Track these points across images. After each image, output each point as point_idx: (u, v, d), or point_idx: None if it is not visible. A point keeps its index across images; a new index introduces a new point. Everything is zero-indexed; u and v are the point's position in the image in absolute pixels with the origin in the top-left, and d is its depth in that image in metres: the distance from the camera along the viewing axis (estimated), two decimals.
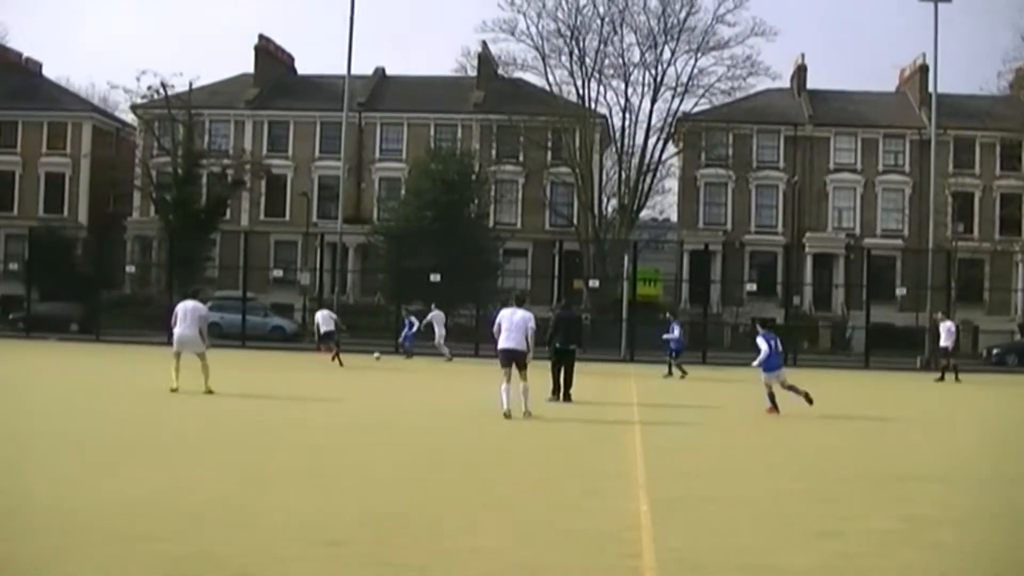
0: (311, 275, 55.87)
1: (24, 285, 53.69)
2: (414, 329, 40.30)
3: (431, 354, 40.13)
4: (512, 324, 18.85)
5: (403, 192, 60.32)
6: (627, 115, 61.28)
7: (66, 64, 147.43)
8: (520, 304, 19.66)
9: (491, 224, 60.11)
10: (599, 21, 60.93)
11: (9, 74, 69.08)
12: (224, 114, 64.95)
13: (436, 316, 40.07)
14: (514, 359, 18.67)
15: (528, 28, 61.64)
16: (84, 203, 66.57)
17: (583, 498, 11.20)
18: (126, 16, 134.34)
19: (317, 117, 64.53)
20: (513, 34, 60.78)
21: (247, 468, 12.60)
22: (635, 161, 60.72)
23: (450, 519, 9.80)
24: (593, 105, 61.08)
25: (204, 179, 60.91)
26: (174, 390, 20.86)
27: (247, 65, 68.59)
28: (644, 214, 65.59)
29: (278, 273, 58.11)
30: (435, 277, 47.07)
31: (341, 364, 33.18)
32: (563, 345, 22.66)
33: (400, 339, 41.36)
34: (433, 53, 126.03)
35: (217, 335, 48.69)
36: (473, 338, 44.91)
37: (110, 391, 23.02)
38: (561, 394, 22.40)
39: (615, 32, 61.12)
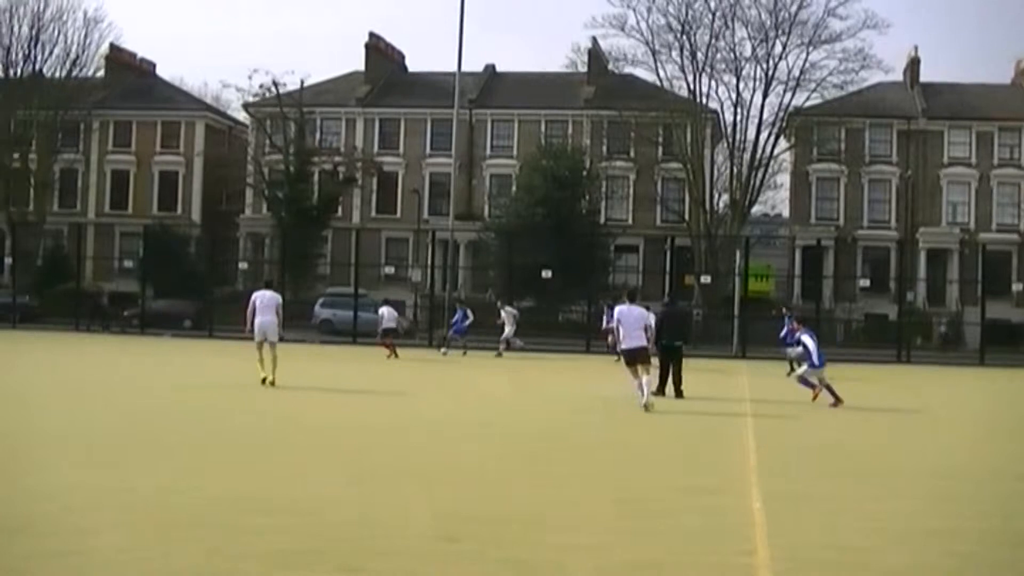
0: (422, 272, 57.58)
1: (139, 282, 56.07)
2: (468, 321, 39.85)
3: (489, 348, 40.32)
4: (632, 322, 19.96)
5: (514, 189, 62.10)
6: (738, 110, 62.04)
7: (179, 64, 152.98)
8: (632, 300, 20.71)
9: (602, 220, 61.49)
10: (710, 15, 61.78)
11: (124, 74, 72.73)
12: (335, 112, 67.50)
13: (509, 312, 40.61)
14: (638, 356, 19.73)
15: (638, 23, 62.28)
16: (197, 201, 69.80)
17: (695, 494, 11.48)
18: (238, 15, 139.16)
19: (428, 114, 66.64)
20: (623, 29, 61.62)
21: (354, 465, 12.94)
22: (746, 156, 61.43)
23: (561, 515, 10.07)
24: (704, 100, 61.91)
25: (316, 176, 63.75)
26: (264, 380, 22.31)
27: (358, 63, 71.34)
28: (756, 209, 65.88)
29: (389, 270, 59.90)
30: (546, 273, 48.60)
31: (396, 356, 35.94)
32: (670, 341, 23.26)
33: (450, 332, 40.71)
34: (543, 49, 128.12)
35: (329, 331, 51.84)
36: (585, 334, 46.09)
37: (216, 389, 23.62)
38: (673, 391, 22.96)
39: (726, 26, 61.87)
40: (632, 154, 64.70)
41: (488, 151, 66.92)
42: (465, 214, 61.60)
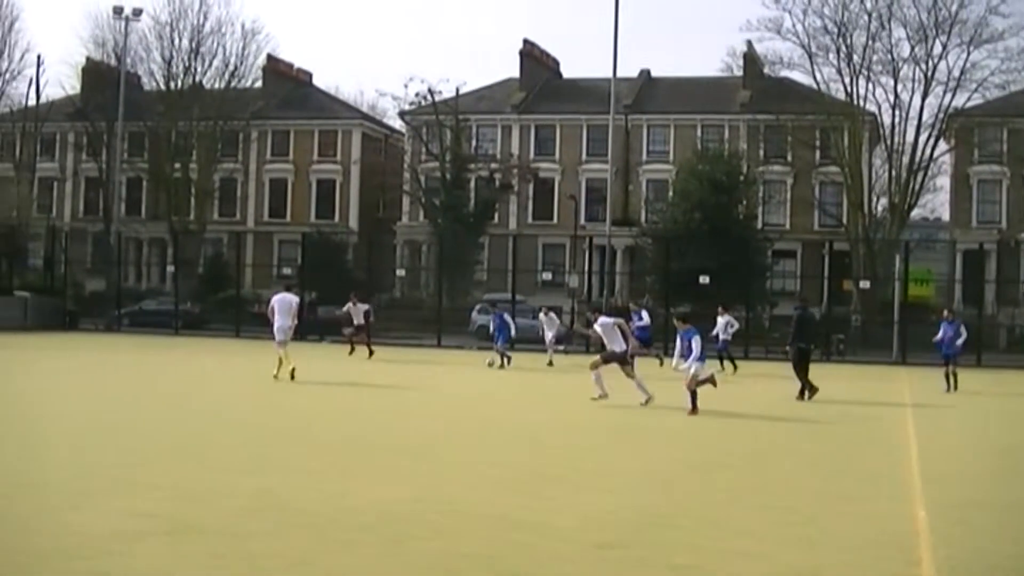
0: (579, 278, 60.71)
1: (297, 289, 60.69)
2: (511, 330, 37.93)
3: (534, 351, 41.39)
4: (609, 329, 22.98)
5: (670, 194, 65.21)
6: (897, 112, 63.93)
7: (335, 73, 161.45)
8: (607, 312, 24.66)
9: (759, 225, 64.12)
10: (867, 17, 63.69)
11: (281, 84, 79.91)
12: (491, 119, 73.21)
13: (551, 319, 40.08)
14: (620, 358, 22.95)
15: (794, 26, 64.43)
16: (354, 208, 76.30)
17: (856, 501, 12.01)
18: (394, 24, 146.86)
19: (583, 120, 71.72)
20: (779, 32, 64.04)
21: (507, 469, 13.88)
22: (905, 159, 63.31)
23: (718, 521, 10.70)
24: (861, 102, 63.98)
25: (472, 183, 68.90)
26: (292, 374, 25.79)
27: (513, 70, 77.18)
28: (915, 213, 67.92)
29: (547, 276, 64.01)
30: (704, 279, 50.49)
31: (353, 351, 39.03)
32: (806, 345, 25.54)
33: (495, 341, 37.59)
34: (698, 54, 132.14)
35: (485, 337, 53.15)
36: (742, 340, 47.44)
37: (367, 393, 25.40)
38: (807, 392, 24.79)
39: (883, 27, 63.79)
40: (789, 158, 67.90)
41: (644, 156, 71.41)
42: (622, 220, 65.58)
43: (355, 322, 40.46)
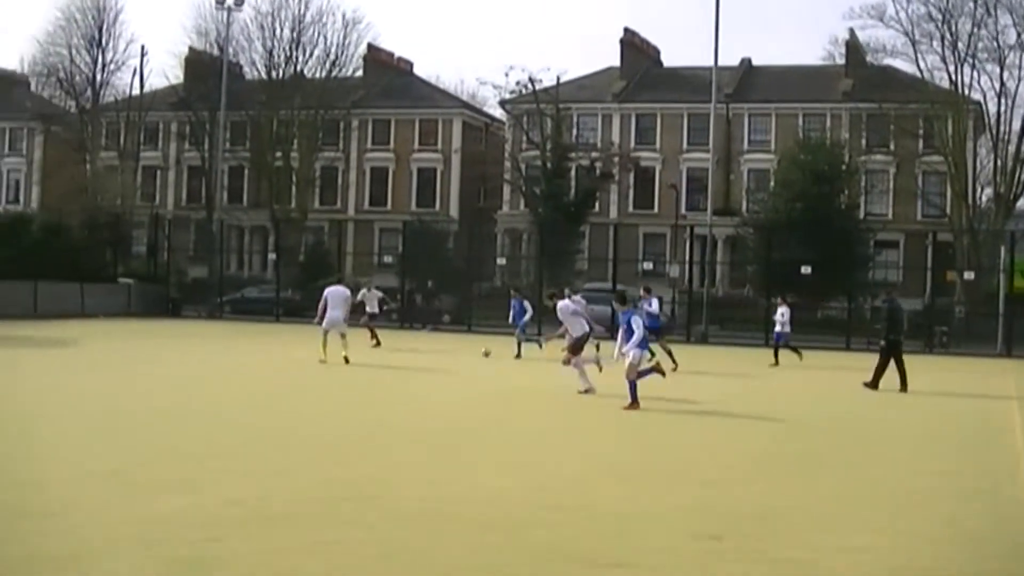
0: (680, 267, 61.87)
1: (398, 277, 62.13)
2: (528, 314, 37.02)
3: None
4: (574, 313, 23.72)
5: (772, 183, 66.15)
6: (1003, 100, 63.89)
7: (436, 62, 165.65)
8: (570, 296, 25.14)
9: (861, 215, 64.80)
10: (972, 3, 63.51)
11: (382, 73, 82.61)
12: (591, 108, 75.19)
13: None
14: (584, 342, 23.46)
15: (897, 13, 64.83)
16: (455, 197, 78.97)
17: (966, 498, 12.20)
18: (494, 13, 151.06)
19: (684, 109, 73.59)
20: (882, 20, 64.42)
21: (599, 461, 14.29)
22: (1011, 148, 63.44)
23: (826, 515, 10.97)
24: (966, 91, 64.30)
25: (573, 172, 70.37)
26: (322, 361, 27.80)
27: (613, 59, 79.22)
28: (1021, 203, 67.33)
29: (647, 265, 64.57)
30: (805, 269, 51.35)
31: (379, 344, 36.57)
32: (896, 336, 26.11)
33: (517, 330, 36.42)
34: (800, 42, 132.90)
35: None
36: (844, 331, 49.15)
37: (459, 382, 26.32)
38: (899, 384, 25.30)
39: (989, 14, 63.67)
40: (892, 147, 68.51)
41: (745, 146, 73.05)
42: (723, 209, 66.79)
43: (368, 309, 38.91)
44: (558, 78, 71.20)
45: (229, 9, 69.68)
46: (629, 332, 20.35)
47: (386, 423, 18.00)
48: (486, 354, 32.74)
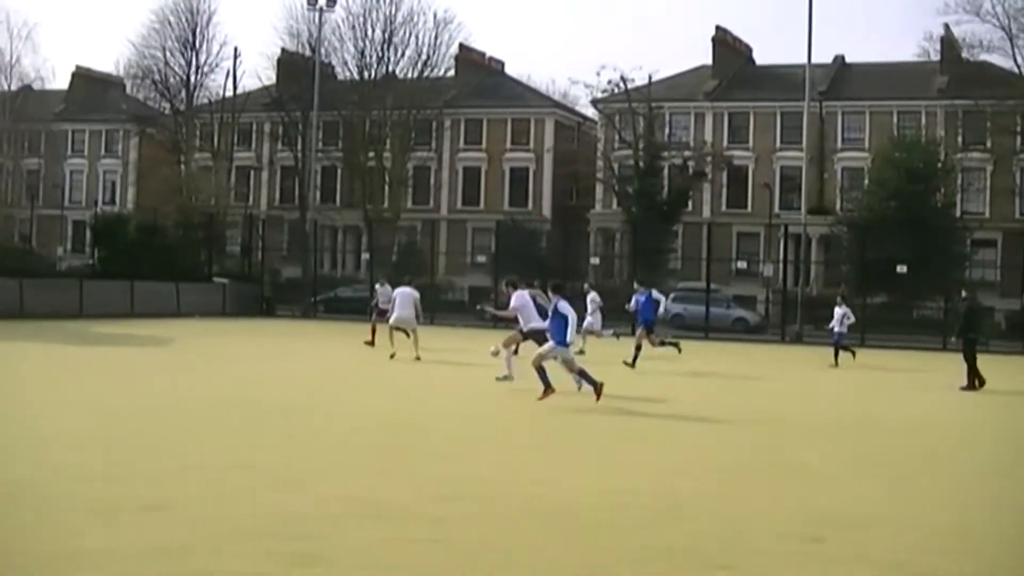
0: (774, 267, 63.19)
1: (491, 277, 62.84)
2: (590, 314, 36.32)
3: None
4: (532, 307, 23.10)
5: (866, 182, 66.74)
6: None
7: (527, 61, 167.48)
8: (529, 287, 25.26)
9: (958, 213, 65.06)
10: None
11: (473, 73, 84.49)
12: (684, 106, 76.33)
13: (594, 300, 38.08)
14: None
15: (993, 7, 65.30)
16: (547, 196, 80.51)
17: None
18: (585, 12, 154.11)
19: (777, 107, 74.51)
20: (978, 14, 65.19)
21: (700, 461, 14.49)
22: None
23: (931, 519, 11.05)
24: None
25: (665, 171, 71.75)
26: (392, 356, 29.13)
27: (705, 57, 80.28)
28: None
29: (741, 264, 66.79)
30: (901, 268, 51.92)
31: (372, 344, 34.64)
32: (975, 335, 26.67)
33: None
34: (894, 38, 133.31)
35: (680, 326, 55.23)
36: (939, 331, 48.20)
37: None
38: (977, 382, 25.93)
39: None
40: (989, 145, 68.72)
41: (839, 144, 73.62)
42: (817, 208, 67.44)
43: (380, 306, 36.41)
44: (650, 77, 72.62)
45: (321, 10, 71.43)
46: (558, 321, 19.91)
47: (491, 421, 18.64)
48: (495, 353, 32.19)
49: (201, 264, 63.19)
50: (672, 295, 59.47)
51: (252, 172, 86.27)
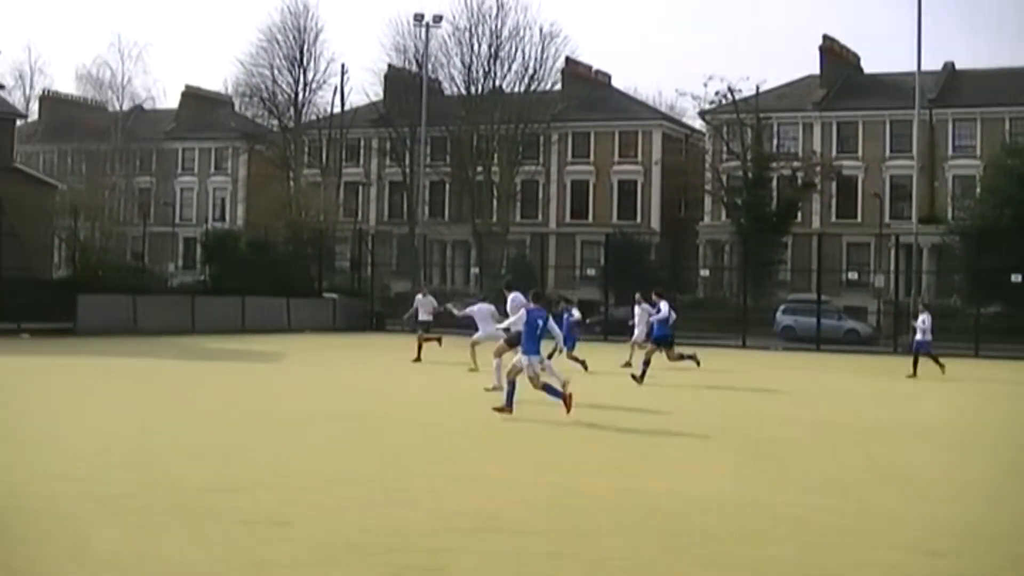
0: (884, 277, 63.69)
1: (601, 290, 64.75)
2: (571, 316, 34.11)
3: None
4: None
5: (978, 190, 66.32)
6: None
7: (633, 73, 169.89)
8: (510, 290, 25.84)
9: None
10: None
11: (580, 86, 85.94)
12: (792, 116, 77.40)
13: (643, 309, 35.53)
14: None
15: None
16: (656, 209, 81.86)
17: None
18: (692, 24, 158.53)
19: (886, 116, 75.09)
20: None
21: (803, 470, 14.72)
22: None
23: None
24: None
25: (774, 182, 72.66)
26: (473, 369, 28.70)
27: (813, 66, 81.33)
28: None
29: (851, 275, 67.76)
30: (1016, 277, 51.47)
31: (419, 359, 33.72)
32: None
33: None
34: (1004, 44, 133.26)
35: (791, 338, 56.76)
36: None
37: (660, 391, 26.01)
38: None
39: None
40: None
41: (950, 152, 74.26)
42: (928, 217, 67.55)
43: (420, 318, 35.86)
44: (757, 87, 73.73)
45: (428, 25, 73.31)
46: (530, 331, 19.30)
47: (601, 433, 18.42)
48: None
49: (311, 280, 64.26)
50: (783, 307, 61.59)
51: (361, 188, 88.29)
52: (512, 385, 19.37)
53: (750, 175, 71.62)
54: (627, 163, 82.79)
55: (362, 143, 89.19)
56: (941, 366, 33.40)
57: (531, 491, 12.56)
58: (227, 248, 63.19)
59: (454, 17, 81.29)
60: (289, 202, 77.67)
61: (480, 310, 29.39)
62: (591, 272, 72.36)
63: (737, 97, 72.53)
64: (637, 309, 35.63)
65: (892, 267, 61.05)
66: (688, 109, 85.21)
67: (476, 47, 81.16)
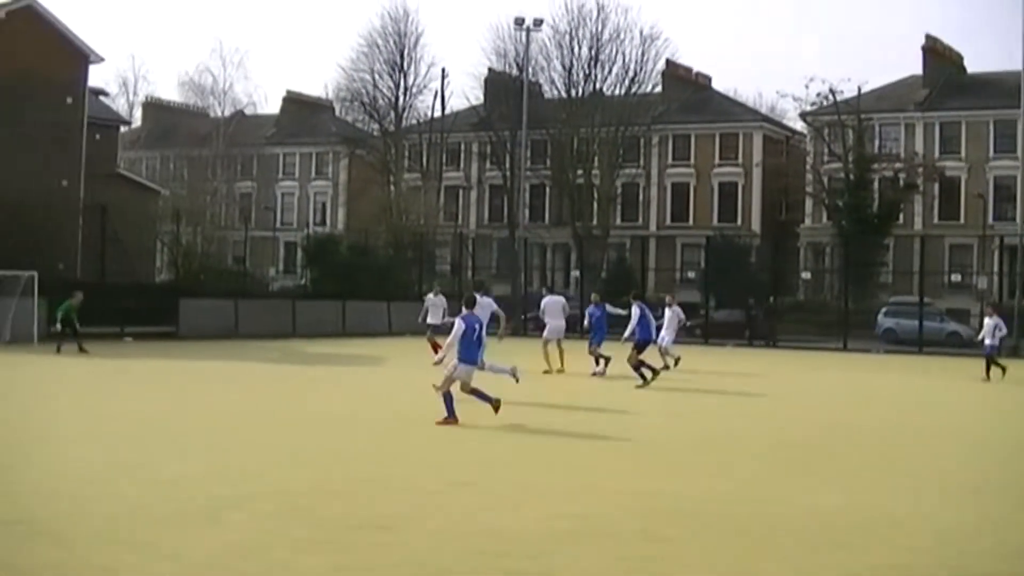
0: (988, 279, 64.26)
1: (701, 292, 65.25)
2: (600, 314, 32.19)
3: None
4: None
5: None
6: None
7: (733, 75, 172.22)
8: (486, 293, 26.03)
9: None
10: None
11: (680, 89, 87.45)
12: (894, 117, 77.99)
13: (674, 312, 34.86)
14: None
15: None
16: (756, 211, 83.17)
17: None
18: (791, 24, 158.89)
19: (990, 116, 75.43)
20: None
21: (927, 478, 14.69)
22: None
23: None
24: None
25: (876, 183, 73.39)
26: (549, 371, 29.63)
27: (915, 66, 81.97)
28: None
29: (954, 277, 68.03)
30: None
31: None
32: None
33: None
34: None
35: (892, 341, 57.15)
36: None
37: (768, 399, 26.65)
38: None
39: None
40: None
41: None
42: None
43: (430, 320, 34.89)
44: (859, 88, 74.42)
45: (528, 29, 74.22)
46: (466, 338, 19.14)
47: (708, 438, 18.79)
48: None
49: (411, 283, 65.64)
50: (884, 309, 61.91)
51: (461, 191, 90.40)
52: (449, 396, 19.11)
53: (851, 176, 72.30)
54: (728, 165, 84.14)
55: (462, 147, 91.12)
56: (1003, 370, 33.03)
57: (629, 497, 12.82)
58: (328, 252, 64.82)
59: (554, 20, 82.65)
60: (389, 206, 79.25)
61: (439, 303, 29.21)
62: (691, 275, 73.44)
63: (838, 98, 73.07)
64: (668, 312, 34.31)
65: (996, 269, 62.38)
66: (789, 110, 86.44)
67: (576, 50, 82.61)
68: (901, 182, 73.42)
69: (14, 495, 12.21)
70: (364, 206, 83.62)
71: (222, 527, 10.80)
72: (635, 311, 28.85)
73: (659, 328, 32.18)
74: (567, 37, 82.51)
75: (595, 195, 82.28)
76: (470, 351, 19.31)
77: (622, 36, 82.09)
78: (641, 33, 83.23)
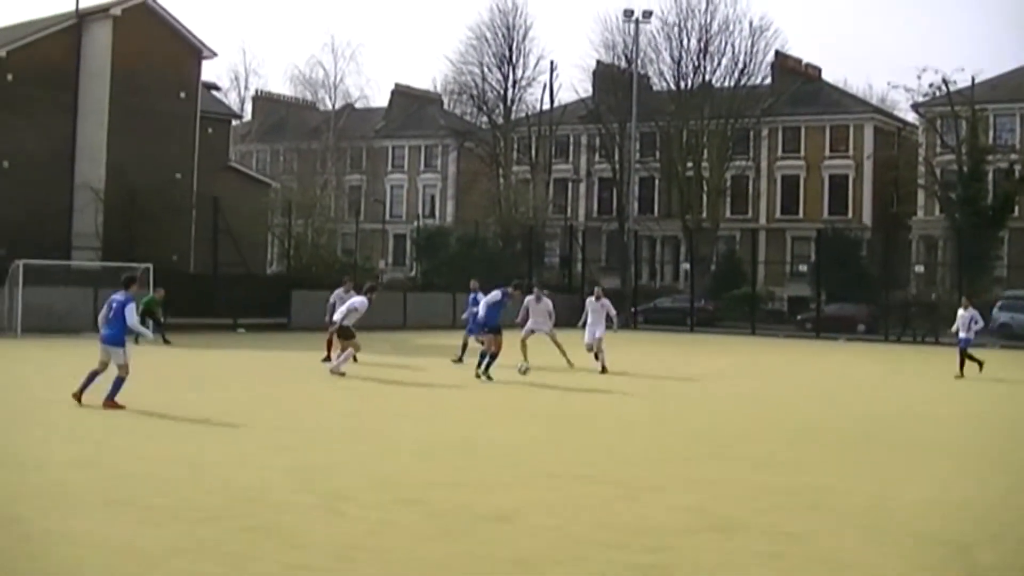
0: None
1: (812, 286, 66.50)
2: (475, 309, 31.05)
3: None
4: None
5: None
6: None
7: (844, 66, 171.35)
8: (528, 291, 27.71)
9: None
10: None
11: (790, 80, 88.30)
12: (1009, 108, 77.88)
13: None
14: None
15: None
16: (867, 204, 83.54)
17: None
18: (902, 14, 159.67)
19: None
20: None
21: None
22: None
23: None
24: None
25: (990, 175, 73.24)
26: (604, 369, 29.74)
27: None
28: None
29: None
30: None
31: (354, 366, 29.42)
32: None
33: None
34: None
35: (1007, 336, 56.81)
36: None
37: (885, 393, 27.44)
38: None
39: None
40: None
41: None
42: None
43: (327, 317, 32.05)
44: (973, 78, 74.08)
45: (637, 21, 76.15)
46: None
47: (822, 427, 19.23)
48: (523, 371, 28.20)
49: (522, 275, 64.45)
50: (999, 303, 61.40)
51: (570, 184, 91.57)
52: (90, 378, 19.47)
53: (965, 168, 72.05)
54: (838, 157, 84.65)
55: (571, 139, 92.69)
56: (980, 365, 32.42)
57: (746, 489, 13.08)
58: (437, 245, 66.66)
59: (663, 12, 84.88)
60: (499, 199, 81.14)
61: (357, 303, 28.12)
62: (802, 268, 74.23)
63: (952, 89, 72.80)
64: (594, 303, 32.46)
65: None
66: (900, 102, 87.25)
67: (685, 42, 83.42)
68: (1016, 174, 73.09)
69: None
70: (473, 198, 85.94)
71: (342, 517, 11.13)
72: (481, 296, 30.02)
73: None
74: (676, 29, 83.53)
75: (704, 188, 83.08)
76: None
77: (731, 27, 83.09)
78: (751, 24, 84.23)
